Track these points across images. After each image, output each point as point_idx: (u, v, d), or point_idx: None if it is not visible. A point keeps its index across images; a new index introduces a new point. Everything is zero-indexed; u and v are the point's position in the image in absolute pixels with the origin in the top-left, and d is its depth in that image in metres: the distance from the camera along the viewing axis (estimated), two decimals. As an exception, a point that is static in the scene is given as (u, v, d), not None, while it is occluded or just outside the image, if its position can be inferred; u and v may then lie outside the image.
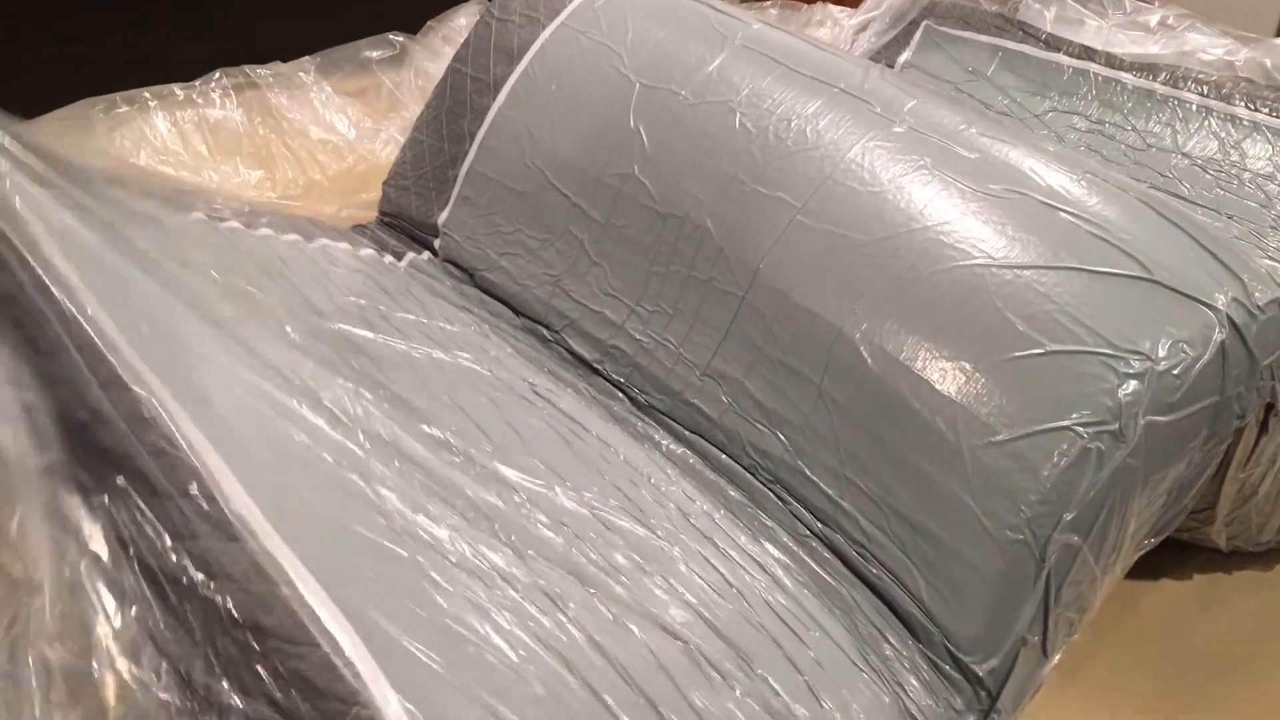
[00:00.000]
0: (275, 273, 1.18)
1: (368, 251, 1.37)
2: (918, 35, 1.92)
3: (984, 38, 1.85)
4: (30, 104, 1.24)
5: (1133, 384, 1.00)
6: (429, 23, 1.94)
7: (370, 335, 1.13)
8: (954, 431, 1.01)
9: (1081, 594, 1.04)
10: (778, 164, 1.22)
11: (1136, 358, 1.01)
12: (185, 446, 0.82)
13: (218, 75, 1.74)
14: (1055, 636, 1.04)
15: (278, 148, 1.66)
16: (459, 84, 1.48)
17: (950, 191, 1.15)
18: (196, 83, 1.70)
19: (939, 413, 1.03)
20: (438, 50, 1.89)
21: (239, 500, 0.80)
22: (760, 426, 1.11)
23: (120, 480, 0.81)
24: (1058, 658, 1.06)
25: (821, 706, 0.89)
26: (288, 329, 1.06)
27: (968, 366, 1.04)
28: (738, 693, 0.86)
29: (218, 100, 1.68)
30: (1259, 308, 1.05)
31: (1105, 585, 1.08)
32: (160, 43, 1.78)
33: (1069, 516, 0.98)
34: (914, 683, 0.97)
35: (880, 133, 1.22)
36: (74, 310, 0.89)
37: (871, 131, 1.22)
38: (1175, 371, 1.01)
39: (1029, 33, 1.82)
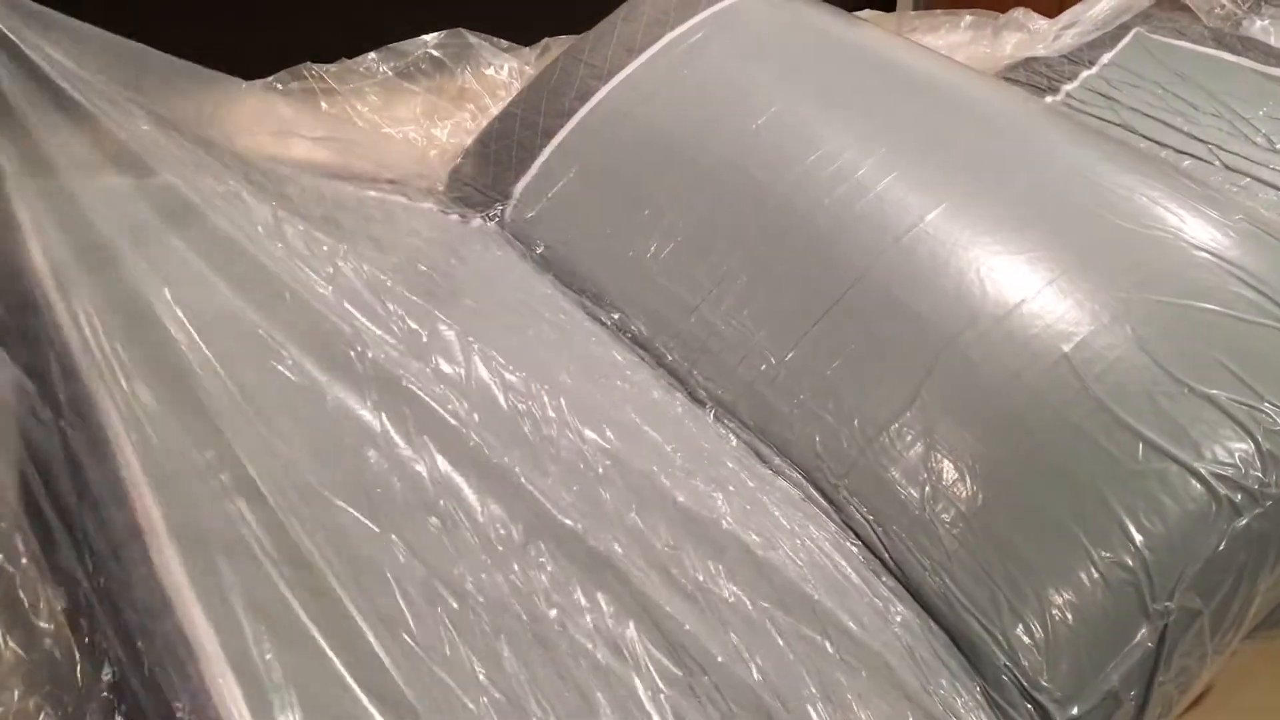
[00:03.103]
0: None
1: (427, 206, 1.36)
2: (1126, 40, 1.87)
3: (1199, 48, 1.80)
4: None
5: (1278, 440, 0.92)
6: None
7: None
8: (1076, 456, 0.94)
9: (1188, 669, 0.93)
10: (905, 175, 1.17)
11: None
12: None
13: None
14: (1151, 711, 0.93)
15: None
16: (570, 68, 1.47)
17: (1087, 219, 1.09)
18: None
19: (1057, 433, 0.94)
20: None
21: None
22: (836, 424, 1.05)
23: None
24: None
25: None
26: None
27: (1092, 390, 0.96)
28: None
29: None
30: None
31: (1211, 668, 0.97)
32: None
33: (1191, 571, 0.89)
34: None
35: (1015, 162, 1.18)
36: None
37: (1002, 161, 1.18)
38: None
39: (1248, 47, 1.76)
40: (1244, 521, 0.90)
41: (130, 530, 0.76)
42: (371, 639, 0.73)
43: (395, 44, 1.79)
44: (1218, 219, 1.08)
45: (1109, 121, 1.67)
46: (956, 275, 1.06)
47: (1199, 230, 1.07)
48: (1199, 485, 0.91)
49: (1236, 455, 0.92)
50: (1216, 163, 1.55)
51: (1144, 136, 1.63)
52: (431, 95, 1.77)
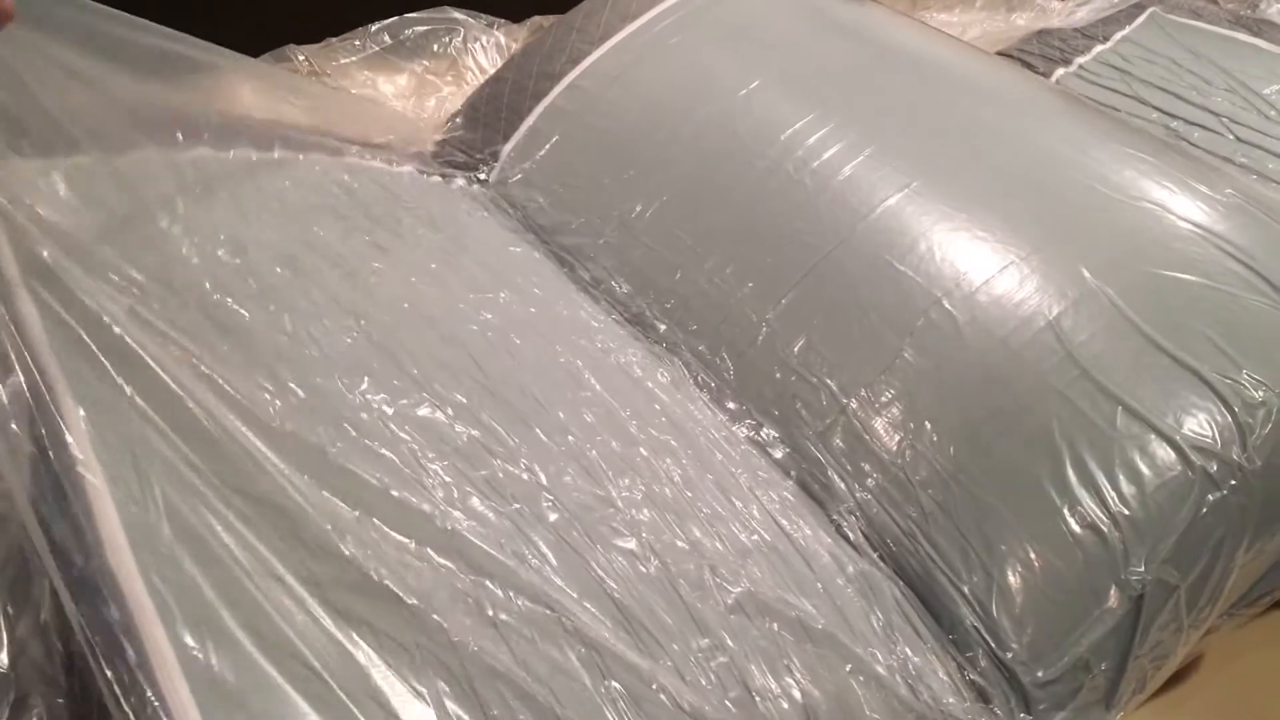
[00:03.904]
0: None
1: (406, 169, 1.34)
2: (1141, 18, 1.87)
3: (1214, 28, 1.80)
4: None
5: (1259, 413, 0.91)
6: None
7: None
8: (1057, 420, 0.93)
9: (1164, 644, 0.92)
10: (895, 142, 1.16)
11: (1262, 388, 0.92)
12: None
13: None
14: (1126, 685, 0.92)
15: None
16: (563, 35, 1.46)
17: (1075, 189, 1.08)
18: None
19: (1039, 398, 0.94)
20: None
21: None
22: (819, 383, 1.04)
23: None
24: (1119, 718, 0.94)
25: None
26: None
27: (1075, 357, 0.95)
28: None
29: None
30: None
31: (1185, 645, 0.96)
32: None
33: (1167, 542, 0.88)
34: (932, 684, 0.88)
35: (1006, 133, 1.17)
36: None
37: (994, 132, 1.17)
38: None
39: (1265, 29, 1.77)
40: (1221, 494, 0.89)
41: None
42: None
43: (381, 22, 1.78)
44: (1206, 193, 1.07)
45: (1120, 93, 1.67)
46: (943, 239, 1.05)
47: (1187, 204, 1.06)
48: (1177, 455, 0.90)
49: (1216, 427, 0.91)
50: (1229, 135, 1.55)
51: (1155, 108, 1.63)
52: (419, 71, 1.76)
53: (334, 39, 1.77)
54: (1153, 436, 0.90)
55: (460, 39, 1.82)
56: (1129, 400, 0.92)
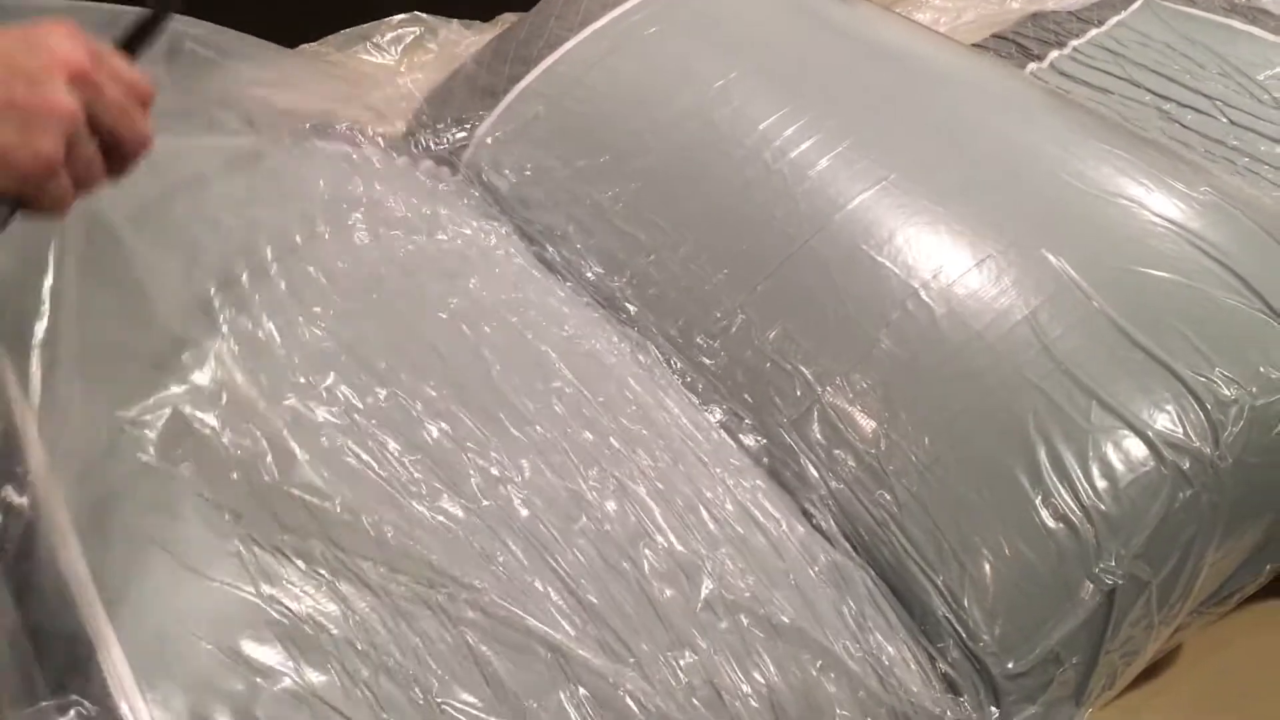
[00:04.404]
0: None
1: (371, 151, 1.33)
2: (1137, 4, 1.86)
3: (1209, 15, 1.80)
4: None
5: (1231, 411, 0.91)
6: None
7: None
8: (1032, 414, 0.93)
9: (1134, 640, 0.93)
10: (876, 132, 1.16)
11: (1234, 385, 0.92)
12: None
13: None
14: (1096, 680, 0.92)
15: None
16: (540, 22, 1.45)
17: (1053, 184, 1.08)
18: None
19: (1015, 392, 0.93)
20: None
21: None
22: (794, 370, 1.03)
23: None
24: (1087, 715, 0.95)
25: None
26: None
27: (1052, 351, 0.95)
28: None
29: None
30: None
31: (1155, 642, 0.96)
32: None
33: (1139, 537, 0.88)
34: (902, 676, 0.88)
35: (985, 127, 1.17)
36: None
37: (973, 127, 1.17)
38: (1273, 412, 0.91)
39: (1261, 17, 1.76)
40: (1193, 490, 0.89)
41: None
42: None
43: (355, 27, 1.79)
44: (1183, 190, 1.07)
45: (1113, 75, 1.68)
46: (920, 232, 1.04)
47: (1164, 201, 1.05)
48: (1151, 451, 0.89)
49: (1189, 424, 0.90)
50: (1222, 118, 1.56)
51: (1148, 90, 1.63)
52: (395, 70, 1.75)
53: (308, 45, 1.77)
54: (1127, 432, 0.90)
55: (435, 41, 1.83)
56: (1104, 395, 0.91)
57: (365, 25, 1.80)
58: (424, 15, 1.86)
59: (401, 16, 1.83)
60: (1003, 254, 1.01)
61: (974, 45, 1.82)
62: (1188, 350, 0.93)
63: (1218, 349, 0.94)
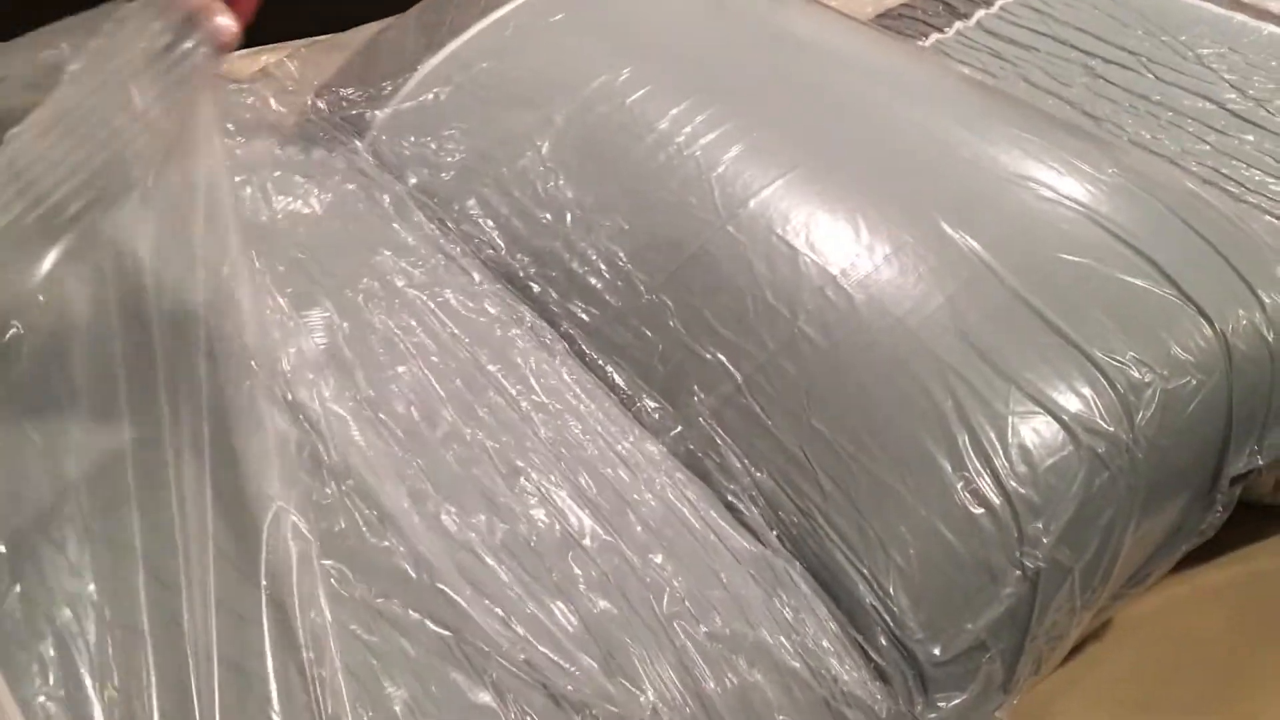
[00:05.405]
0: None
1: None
2: None
3: None
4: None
5: (1144, 394, 0.92)
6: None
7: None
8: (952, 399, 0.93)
9: (1059, 624, 0.93)
10: (788, 119, 1.16)
11: (1146, 368, 0.93)
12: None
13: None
14: (1023, 667, 0.92)
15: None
16: (443, 6, 1.43)
17: (966, 169, 1.09)
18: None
19: (935, 378, 0.93)
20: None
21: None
22: (712, 358, 1.02)
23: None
24: (1015, 702, 0.94)
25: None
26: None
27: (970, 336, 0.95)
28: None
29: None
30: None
31: (1079, 626, 0.96)
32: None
33: (1058, 523, 0.88)
34: (834, 668, 0.88)
35: (897, 112, 1.18)
36: None
37: (886, 113, 1.18)
38: (1184, 395, 0.93)
39: None
40: (1110, 474, 0.90)
41: None
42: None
43: (334, 34, 1.68)
44: (1090, 173, 1.08)
45: (1039, 33, 1.73)
46: (836, 218, 1.03)
47: (1073, 184, 1.07)
48: (1067, 435, 0.90)
49: (1104, 408, 0.91)
50: (1148, 74, 1.63)
51: (1074, 47, 1.69)
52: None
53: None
54: (1044, 416, 0.90)
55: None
56: (1021, 380, 0.92)
57: (344, 34, 1.68)
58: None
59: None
60: (920, 240, 1.00)
61: (903, 4, 1.86)
62: (1101, 334, 0.94)
63: (1129, 332, 0.95)
